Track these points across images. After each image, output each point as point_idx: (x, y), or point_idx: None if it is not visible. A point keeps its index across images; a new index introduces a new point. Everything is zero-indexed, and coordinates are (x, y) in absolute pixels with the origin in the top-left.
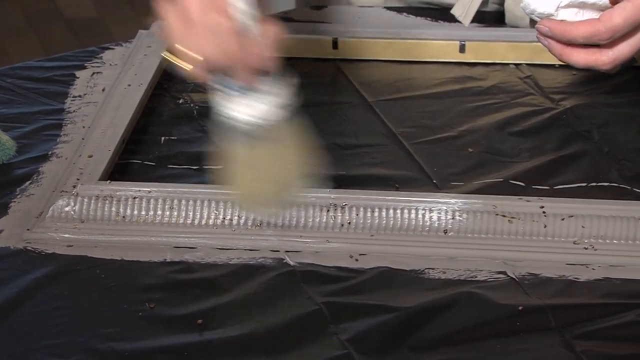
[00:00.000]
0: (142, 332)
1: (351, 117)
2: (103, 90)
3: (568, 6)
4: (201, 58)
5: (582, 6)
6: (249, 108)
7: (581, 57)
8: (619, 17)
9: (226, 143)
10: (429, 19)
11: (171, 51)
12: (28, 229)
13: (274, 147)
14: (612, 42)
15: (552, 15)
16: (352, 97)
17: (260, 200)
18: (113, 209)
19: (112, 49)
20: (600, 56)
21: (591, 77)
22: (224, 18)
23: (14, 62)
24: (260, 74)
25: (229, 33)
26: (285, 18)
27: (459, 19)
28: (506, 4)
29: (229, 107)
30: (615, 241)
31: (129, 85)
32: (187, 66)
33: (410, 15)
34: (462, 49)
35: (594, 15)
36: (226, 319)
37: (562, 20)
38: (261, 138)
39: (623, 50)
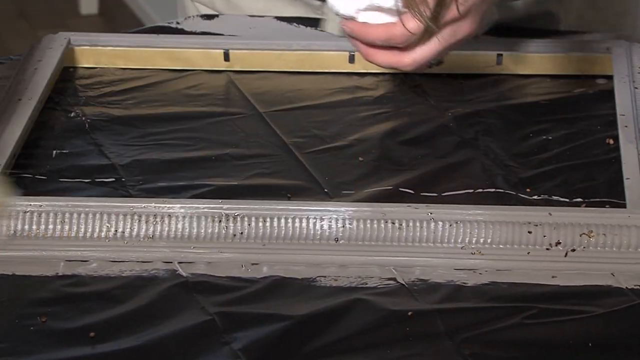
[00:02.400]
0: (34, 346)
1: (243, 128)
2: None
3: (367, 9)
4: None
5: (381, 10)
6: None
7: (384, 58)
8: (413, 22)
9: None
10: (319, 29)
11: None
12: None
13: None
14: (412, 44)
15: (353, 17)
16: (244, 108)
17: None
18: (3, 223)
19: (2, 63)
20: (401, 58)
21: (477, 86)
22: None
23: None
24: None
25: None
26: (176, 29)
27: (334, 32)
28: None
29: None
30: (501, 246)
31: (19, 99)
32: None
33: (301, 26)
34: (351, 59)
35: (393, 19)
36: (119, 331)
37: (364, 22)
38: None
39: (422, 52)
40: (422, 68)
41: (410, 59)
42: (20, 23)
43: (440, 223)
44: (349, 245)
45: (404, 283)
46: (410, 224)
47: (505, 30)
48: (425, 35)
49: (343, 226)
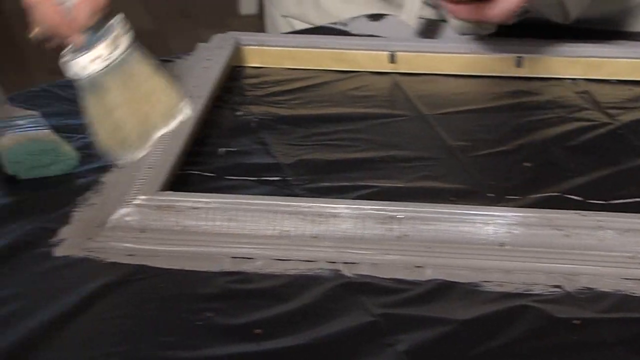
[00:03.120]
0: (201, 341)
1: (407, 130)
2: None
3: None
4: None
5: None
6: (81, 63)
7: (470, 13)
8: None
9: (81, 100)
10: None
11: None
12: (89, 238)
13: (123, 90)
14: None
15: None
16: (409, 110)
17: (126, 143)
18: (172, 219)
19: (172, 61)
20: (488, 10)
21: None
22: None
23: None
24: (86, 32)
25: (42, 8)
26: (342, 31)
27: (407, 22)
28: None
29: (67, 67)
30: None
31: (189, 97)
32: (33, 32)
33: None
34: (518, 63)
35: None
36: (284, 329)
37: None
38: (104, 86)
39: (507, 2)
40: (510, 19)
41: (496, 10)
42: (182, 22)
43: (609, 231)
44: (514, 251)
45: (570, 291)
46: (578, 231)
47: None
48: None
49: (508, 232)
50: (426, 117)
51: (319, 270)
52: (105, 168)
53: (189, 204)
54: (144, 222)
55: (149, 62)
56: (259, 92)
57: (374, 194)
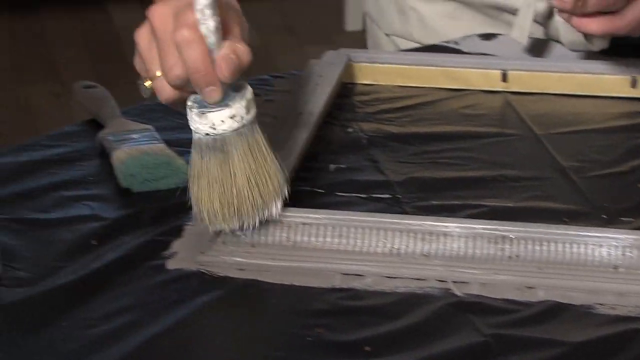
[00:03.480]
0: (311, 356)
1: (519, 150)
2: (275, 117)
3: None
4: (159, 74)
5: None
6: (215, 118)
7: (598, 26)
8: None
9: (193, 158)
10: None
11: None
12: (201, 252)
13: (245, 157)
14: (625, 5)
15: None
16: (521, 129)
17: (235, 212)
18: (283, 234)
19: (284, 77)
20: (615, 21)
21: None
22: (193, 34)
23: None
24: (220, 88)
25: (196, 49)
26: (454, 49)
27: (518, 40)
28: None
29: (190, 121)
30: None
31: (301, 113)
32: (147, 83)
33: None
34: (634, 84)
35: None
36: (393, 346)
37: None
38: (221, 150)
39: (636, 10)
40: (637, 30)
41: (624, 22)
42: (288, 39)
43: None
44: (629, 274)
45: None
46: None
47: None
48: None
49: (623, 254)
50: (538, 137)
51: (429, 289)
52: None
53: (300, 220)
54: (255, 237)
55: (265, 137)
56: (370, 109)
57: (484, 213)
